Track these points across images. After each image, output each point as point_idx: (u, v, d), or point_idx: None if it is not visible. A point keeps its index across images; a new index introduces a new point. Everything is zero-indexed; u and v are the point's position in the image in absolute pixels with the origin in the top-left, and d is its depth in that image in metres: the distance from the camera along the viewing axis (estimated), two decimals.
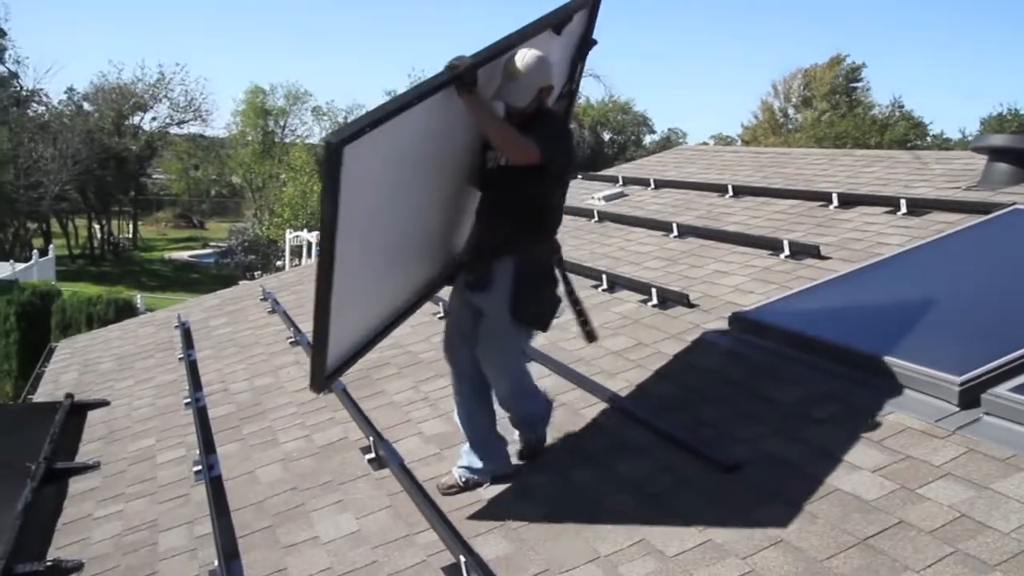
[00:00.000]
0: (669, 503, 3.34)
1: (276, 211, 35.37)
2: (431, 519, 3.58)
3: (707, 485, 3.40)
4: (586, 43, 4.28)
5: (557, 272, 3.89)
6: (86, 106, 40.84)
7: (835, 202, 6.73)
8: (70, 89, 40.93)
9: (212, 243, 42.99)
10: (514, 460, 3.97)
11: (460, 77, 3.22)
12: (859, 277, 4.96)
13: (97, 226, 41.12)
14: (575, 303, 3.99)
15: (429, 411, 4.76)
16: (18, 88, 38.44)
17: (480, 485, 3.84)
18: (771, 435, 3.64)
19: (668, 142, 48.58)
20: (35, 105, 39.59)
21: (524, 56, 3.53)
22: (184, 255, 43.13)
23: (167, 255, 43.04)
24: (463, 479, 3.86)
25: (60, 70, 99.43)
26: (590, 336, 4.02)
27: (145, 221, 48.72)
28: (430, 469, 4.07)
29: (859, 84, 48.26)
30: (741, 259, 5.97)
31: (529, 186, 3.61)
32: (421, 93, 3.16)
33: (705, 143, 43.90)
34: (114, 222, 43.11)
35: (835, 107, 46.29)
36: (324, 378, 3.52)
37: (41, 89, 41.07)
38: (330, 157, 2.87)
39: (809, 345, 4.23)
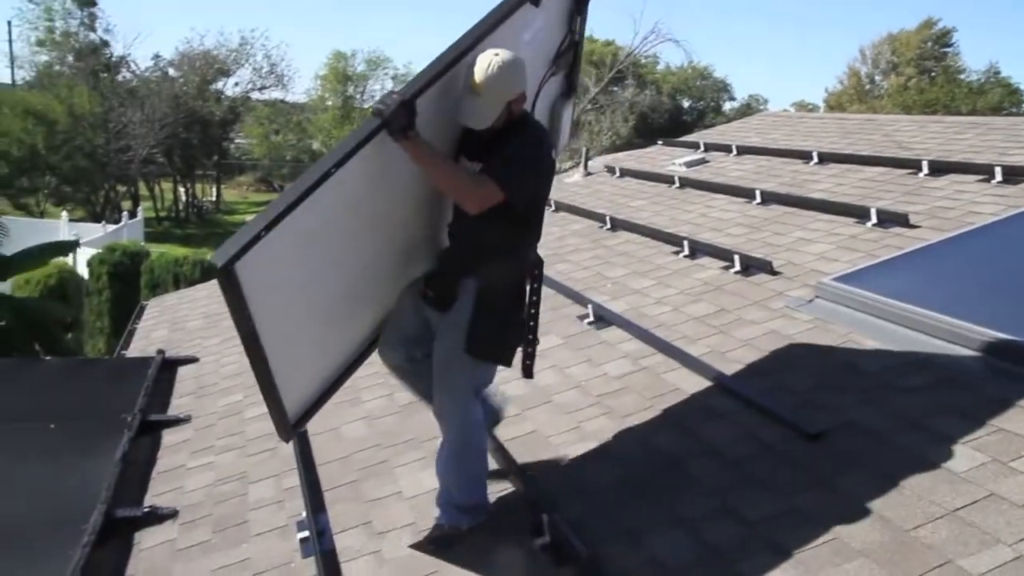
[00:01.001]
0: (752, 469, 3.33)
1: None
2: (513, 479, 3.63)
3: (791, 452, 3.37)
4: None
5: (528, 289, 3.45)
6: (171, 72, 41.56)
7: (925, 170, 6.53)
8: (156, 56, 41.64)
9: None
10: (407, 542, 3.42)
11: (387, 124, 2.83)
12: (951, 246, 4.83)
13: (182, 189, 42.05)
14: (530, 330, 3.51)
15: (509, 373, 4.78)
16: (108, 55, 39.30)
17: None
18: (857, 404, 3.59)
19: (748, 109, 47.62)
20: (124, 72, 40.47)
21: (485, 65, 3.01)
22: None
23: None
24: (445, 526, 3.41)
25: (147, 37, 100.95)
26: (527, 371, 3.60)
27: (228, 185, 49.55)
28: (510, 429, 4.10)
29: (949, 49, 46.58)
30: (826, 227, 5.86)
31: (495, 220, 3.14)
32: (338, 160, 2.77)
33: (786, 110, 42.98)
34: (198, 186, 43.98)
35: (924, 73, 44.79)
36: (291, 427, 3.23)
37: (129, 56, 41.93)
38: (223, 282, 2.61)
39: (898, 314, 4.14)
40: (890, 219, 5.59)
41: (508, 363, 3.43)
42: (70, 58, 37.89)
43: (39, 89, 36.00)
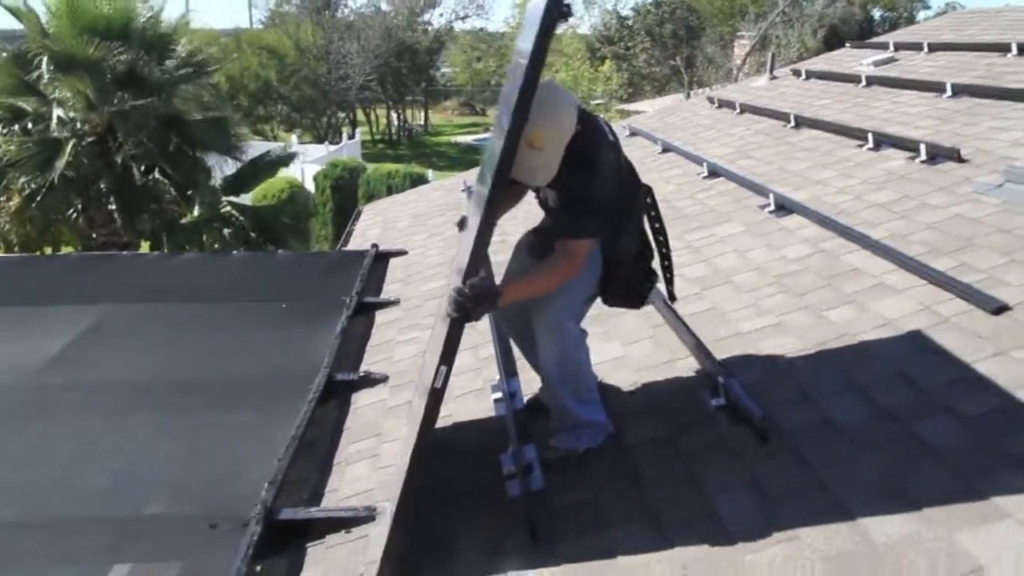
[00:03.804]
0: (927, 340, 3.15)
1: None
2: (693, 348, 3.59)
3: (970, 325, 3.17)
4: None
5: (646, 222, 3.15)
6: (383, 6, 42.63)
7: None
8: None
9: (493, 127, 44.07)
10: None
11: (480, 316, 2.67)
12: None
13: (394, 114, 43.37)
14: (663, 256, 3.24)
15: (691, 256, 4.72)
16: None
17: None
18: None
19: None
20: (342, 7, 41.83)
21: (543, 114, 2.60)
22: (469, 139, 44.61)
23: (453, 139, 44.72)
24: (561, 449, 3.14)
25: None
26: (671, 295, 3.36)
27: (434, 109, 50.66)
28: (689, 306, 4.05)
29: None
30: (1022, 115, 5.35)
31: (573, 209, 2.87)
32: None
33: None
34: (408, 111, 45.23)
35: None
36: None
37: None
38: None
39: None
40: None
41: (639, 306, 3.28)
42: None
43: (271, 28, 37.82)
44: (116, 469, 3.55)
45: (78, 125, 11.46)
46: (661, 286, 3.33)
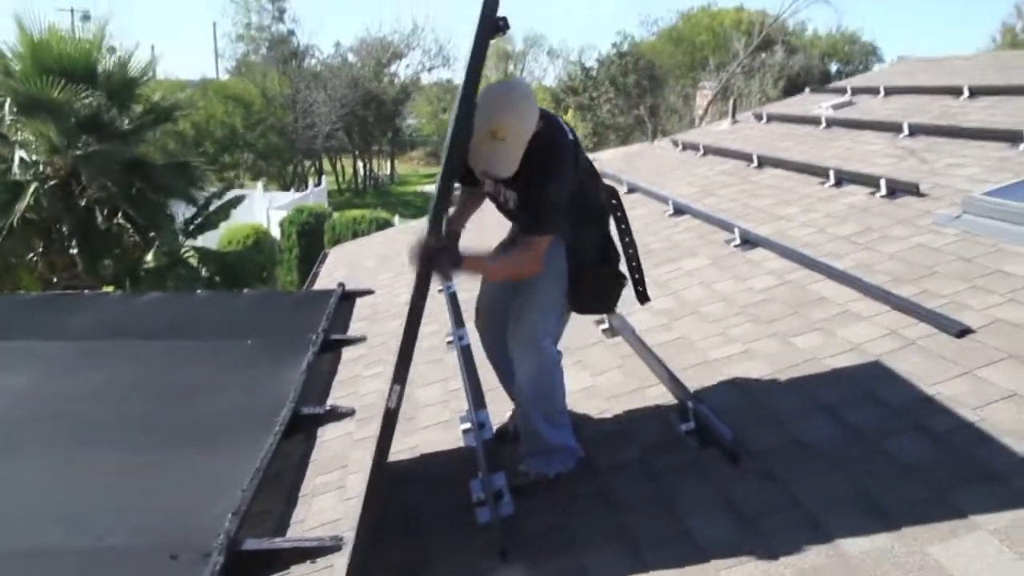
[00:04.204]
0: (893, 363, 3.18)
1: None
2: (661, 376, 3.59)
3: (934, 348, 3.20)
4: None
5: (613, 225, 3.16)
6: (351, 57, 42.94)
7: None
8: (337, 44, 43.26)
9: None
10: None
11: (442, 276, 2.79)
12: None
13: (360, 163, 43.46)
14: (631, 258, 3.22)
15: (658, 290, 4.74)
16: (295, 44, 40.97)
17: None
18: (1006, 303, 3.36)
19: None
20: (309, 58, 42.11)
21: (500, 105, 2.71)
22: (434, 188, 44.62)
23: (419, 188, 44.87)
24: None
25: (330, 24, 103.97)
26: (642, 297, 3.29)
27: (400, 159, 50.80)
28: (657, 336, 4.06)
29: None
30: (977, 152, 5.48)
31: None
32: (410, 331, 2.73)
33: None
34: (374, 160, 45.34)
35: None
36: None
37: (314, 45, 43.59)
38: None
39: None
40: None
41: (610, 311, 3.32)
42: (263, 49, 39.77)
43: (237, 77, 37.95)
44: (76, 501, 3.44)
45: (40, 168, 11.33)
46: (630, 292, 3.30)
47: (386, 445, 2.72)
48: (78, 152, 11.13)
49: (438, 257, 2.70)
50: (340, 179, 41.97)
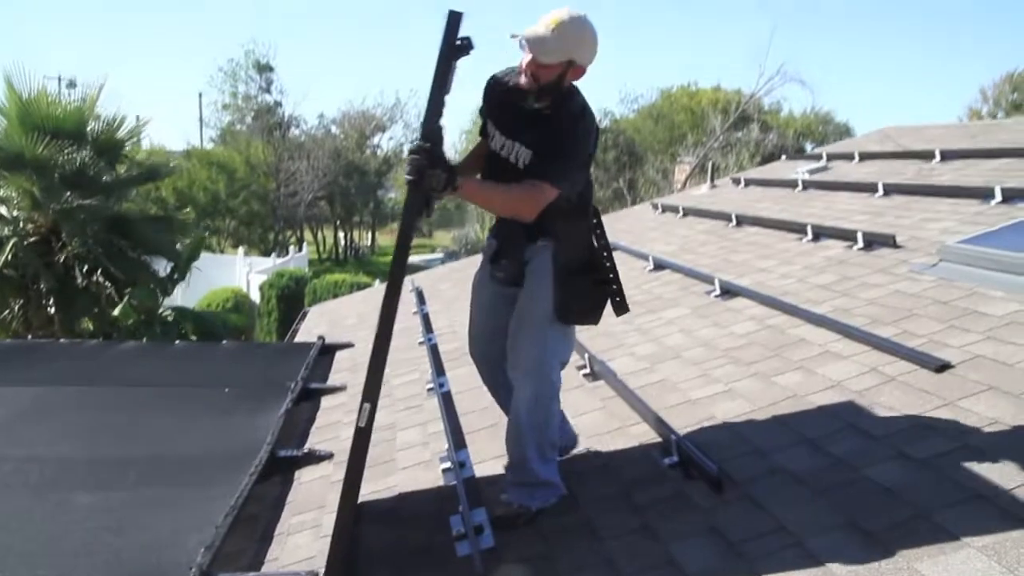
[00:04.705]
0: (874, 397, 3.18)
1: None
2: (644, 415, 3.57)
3: (915, 382, 3.21)
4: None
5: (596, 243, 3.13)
6: (334, 129, 43.43)
7: None
8: (321, 115, 43.83)
9: (439, 248, 44.56)
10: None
11: (432, 190, 2.64)
12: None
13: (341, 233, 43.61)
14: (609, 268, 3.18)
15: (640, 337, 4.75)
16: (280, 115, 41.41)
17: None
18: (983, 340, 3.39)
19: None
20: (293, 128, 42.54)
21: (567, 16, 2.74)
22: (415, 259, 44.88)
23: None
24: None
25: (315, 96, 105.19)
26: (619, 308, 3.23)
27: (381, 231, 51.08)
28: (640, 379, 4.05)
29: None
30: (950, 208, 5.59)
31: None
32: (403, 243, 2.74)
33: None
34: (355, 231, 45.52)
35: None
36: None
37: (299, 116, 44.01)
38: None
39: (1022, 265, 3.91)
40: (1016, 195, 5.29)
41: (596, 321, 3.15)
42: (249, 118, 40.15)
43: (222, 145, 38.24)
44: (44, 538, 3.34)
45: (20, 224, 11.27)
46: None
47: (358, 464, 2.67)
48: (60, 207, 11.08)
49: (432, 172, 2.61)
50: (321, 248, 42.08)
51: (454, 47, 2.67)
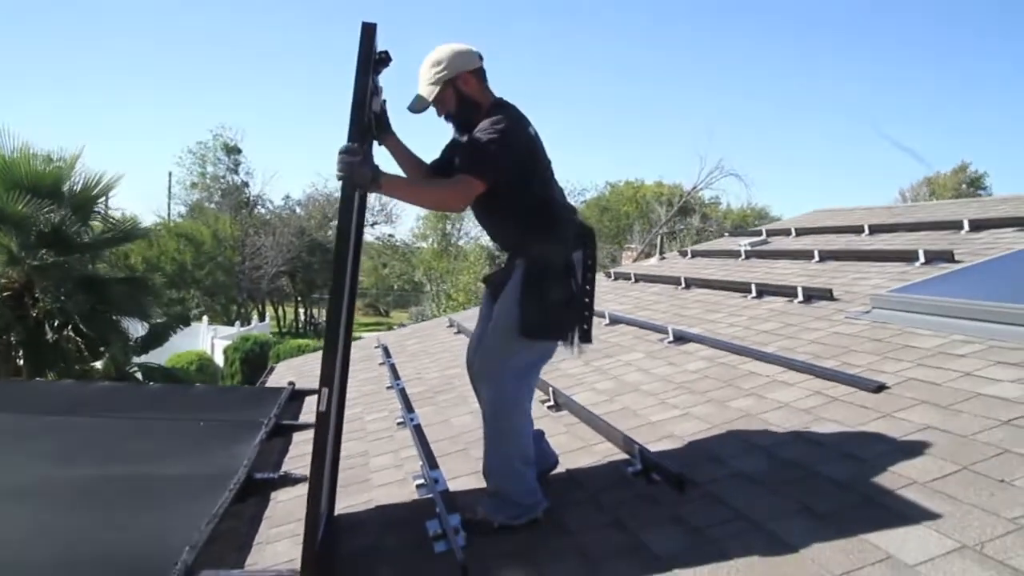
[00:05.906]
0: (820, 414, 3.32)
1: (452, 295, 36.43)
2: (607, 434, 3.65)
3: (856, 401, 3.37)
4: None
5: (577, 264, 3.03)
6: (298, 210, 43.60)
7: (966, 227, 6.53)
8: (287, 197, 43.96)
9: (397, 325, 44.44)
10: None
11: (358, 186, 2.64)
12: (990, 264, 4.82)
13: (302, 309, 43.41)
14: (587, 295, 3.11)
15: (599, 376, 4.86)
16: (248, 195, 41.52)
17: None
18: (915, 367, 3.58)
19: None
20: (259, 208, 42.62)
21: (423, 66, 2.97)
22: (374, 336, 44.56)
23: (359, 336, 44.72)
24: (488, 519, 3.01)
25: (283, 174, 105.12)
26: (585, 336, 3.13)
27: None
28: (601, 408, 4.14)
29: (983, 192, 46.00)
30: (879, 269, 5.86)
31: (501, 209, 3.00)
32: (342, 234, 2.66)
33: None
34: (315, 308, 45.31)
35: None
36: None
37: (265, 195, 44.22)
38: None
39: (948, 308, 4.13)
40: (937, 257, 5.58)
41: (563, 338, 3.04)
42: (217, 197, 40.15)
43: (190, 219, 38.11)
44: (22, 553, 3.28)
45: None
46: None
47: (322, 447, 2.70)
48: (35, 263, 10.97)
49: (358, 168, 2.60)
50: (281, 323, 41.74)
51: (371, 59, 2.73)
